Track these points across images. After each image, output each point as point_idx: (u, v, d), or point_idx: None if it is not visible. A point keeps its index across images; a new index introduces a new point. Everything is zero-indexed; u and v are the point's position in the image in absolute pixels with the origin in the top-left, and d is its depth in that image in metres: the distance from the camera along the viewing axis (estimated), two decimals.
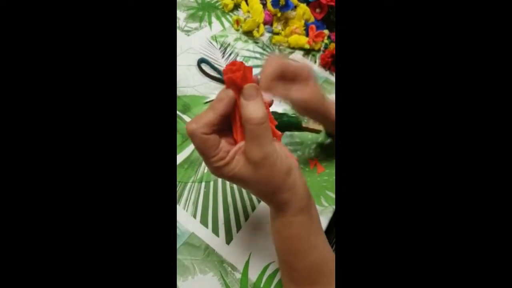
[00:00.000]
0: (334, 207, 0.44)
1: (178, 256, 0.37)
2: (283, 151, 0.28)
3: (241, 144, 0.27)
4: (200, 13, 0.70)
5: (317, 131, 0.38)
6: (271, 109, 0.31)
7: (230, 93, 0.26)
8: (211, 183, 0.43)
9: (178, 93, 0.54)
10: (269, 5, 0.66)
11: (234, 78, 0.25)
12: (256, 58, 0.63)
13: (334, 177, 0.47)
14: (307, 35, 0.66)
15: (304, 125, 0.36)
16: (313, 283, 0.30)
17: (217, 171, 0.27)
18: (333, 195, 0.45)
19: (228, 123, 0.27)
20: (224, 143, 0.27)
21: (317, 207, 0.44)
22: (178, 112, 0.51)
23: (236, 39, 0.66)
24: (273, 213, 0.30)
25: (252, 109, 0.25)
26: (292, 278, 0.31)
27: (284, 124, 0.34)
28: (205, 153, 0.26)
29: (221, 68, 0.59)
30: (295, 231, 0.29)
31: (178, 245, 0.37)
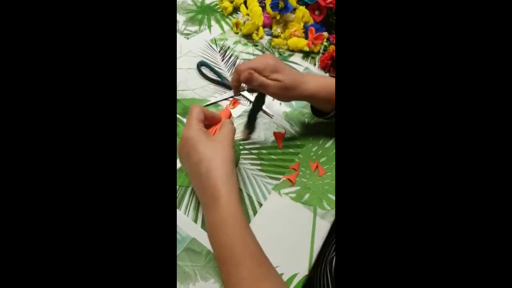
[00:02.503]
0: None
1: (179, 263, 0.36)
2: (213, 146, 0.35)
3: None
4: (200, 16, 0.70)
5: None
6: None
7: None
8: None
9: (178, 96, 0.53)
10: (268, 8, 0.66)
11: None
12: None
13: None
14: (306, 37, 0.66)
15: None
16: (223, 264, 0.31)
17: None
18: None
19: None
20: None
21: (319, 210, 0.44)
22: (178, 116, 0.51)
23: (236, 42, 0.65)
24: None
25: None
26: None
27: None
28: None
29: (221, 71, 0.59)
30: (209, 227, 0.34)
31: (178, 251, 0.37)
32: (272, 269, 0.31)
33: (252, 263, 0.30)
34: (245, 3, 0.70)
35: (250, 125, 0.51)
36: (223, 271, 0.31)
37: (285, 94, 0.43)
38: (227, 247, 0.30)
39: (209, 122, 0.39)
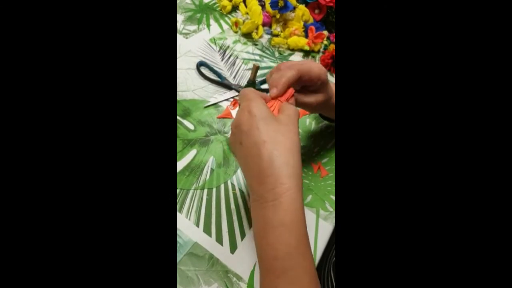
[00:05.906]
0: None
1: (181, 267, 0.36)
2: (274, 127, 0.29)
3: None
4: (198, 15, 0.69)
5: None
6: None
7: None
8: (214, 190, 0.42)
9: (178, 97, 0.53)
10: (267, 6, 0.65)
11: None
12: (255, 60, 0.62)
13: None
14: (306, 36, 0.66)
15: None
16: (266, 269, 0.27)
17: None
18: None
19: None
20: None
21: (322, 212, 0.43)
22: (178, 117, 0.50)
23: (235, 41, 0.65)
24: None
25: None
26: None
27: None
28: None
29: (221, 71, 0.58)
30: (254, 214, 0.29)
31: (181, 256, 0.36)
32: (318, 283, 0.28)
33: (305, 279, 0.25)
34: (244, 1, 0.70)
35: None
36: (266, 277, 0.27)
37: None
38: (284, 259, 0.25)
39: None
